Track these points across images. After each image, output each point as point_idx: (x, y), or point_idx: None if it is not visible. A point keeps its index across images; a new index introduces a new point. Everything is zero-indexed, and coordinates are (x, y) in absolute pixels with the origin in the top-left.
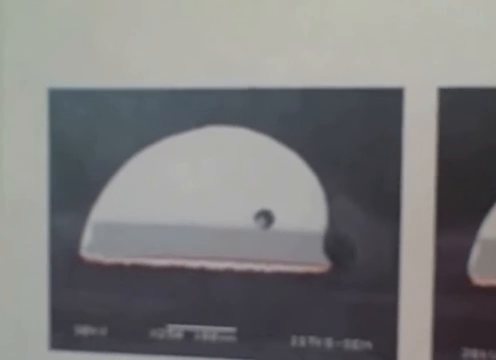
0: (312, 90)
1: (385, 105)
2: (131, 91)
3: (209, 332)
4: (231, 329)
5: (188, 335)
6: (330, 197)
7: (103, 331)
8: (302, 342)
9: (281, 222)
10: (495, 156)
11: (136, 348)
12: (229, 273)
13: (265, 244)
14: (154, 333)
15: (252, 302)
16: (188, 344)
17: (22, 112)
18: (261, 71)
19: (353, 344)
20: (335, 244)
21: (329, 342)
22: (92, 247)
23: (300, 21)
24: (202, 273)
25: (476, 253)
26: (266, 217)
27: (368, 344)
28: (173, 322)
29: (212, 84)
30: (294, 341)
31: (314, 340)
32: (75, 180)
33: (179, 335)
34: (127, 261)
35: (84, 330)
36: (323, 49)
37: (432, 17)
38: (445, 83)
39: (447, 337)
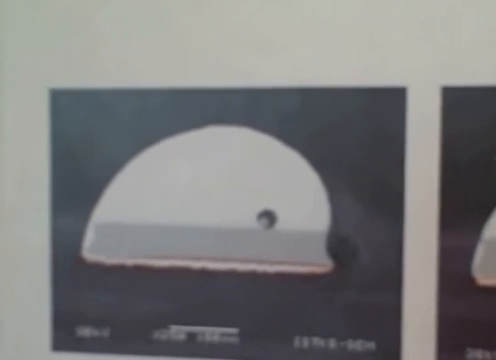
0: (314, 89)
1: (388, 104)
2: (132, 91)
3: (212, 333)
4: (234, 330)
5: (191, 336)
6: (333, 197)
7: (105, 332)
8: (305, 343)
9: (284, 222)
10: None
11: (138, 349)
12: (232, 274)
13: (268, 244)
14: (157, 334)
15: (255, 303)
16: (191, 345)
17: (23, 113)
18: (262, 70)
19: (356, 345)
20: (338, 244)
21: (332, 343)
22: (94, 248)
23: (301, 20)
24: (205, 274)
25: (480, 253)
26: (269, 217)
27: (372, 345)
28: (176, 323)
29: (213, 84)
30: (297, 342)
31: (317, 341)
32: (76, 181)
33: (182, 336)
34: (129, 262)
35: (86, 331)
36: (326, 48)
37: (435, 16)
38: (448, 82)
39: (451, 337)
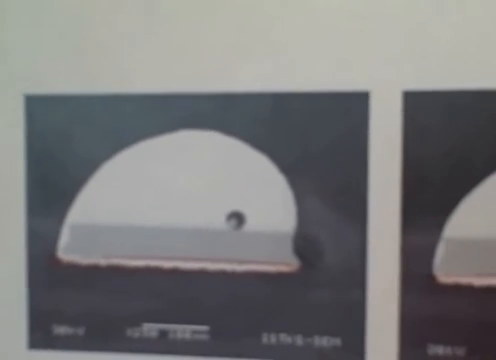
0: (281, 94)
1: (351, 108)
2: (106, 96)
3: (183, 331)
4: (204, 327)
5: (163, 333)
6: (299, 199)
7: (80, 331)
8: (273, 339)
9: (252, 223)
10: (459, 157)
11: (112, 347)
12: (202, 273)
13: (237, 245)
14: (130, 332)
15: (224, 301)
16: (163, 342)
17: None
18: (232, 76)
19: (323, 341)
20: (304, 244)
21: (299, 339)
22: (69, 248)
23: (270, 28)
24: (176, 273)
25: (441, 252)
26: (237, 218)
27: (337, 341)
28: (148, 321)
29: (185, 89)
30: (265, 338)
31: (284, 337)
32: (52, 183)
33: (154, 334)
34: (103, 262)
35: (62, 330)
36: (292, 55)
37: (398, 22)
38: (410, 86)
39: (413, 333)
